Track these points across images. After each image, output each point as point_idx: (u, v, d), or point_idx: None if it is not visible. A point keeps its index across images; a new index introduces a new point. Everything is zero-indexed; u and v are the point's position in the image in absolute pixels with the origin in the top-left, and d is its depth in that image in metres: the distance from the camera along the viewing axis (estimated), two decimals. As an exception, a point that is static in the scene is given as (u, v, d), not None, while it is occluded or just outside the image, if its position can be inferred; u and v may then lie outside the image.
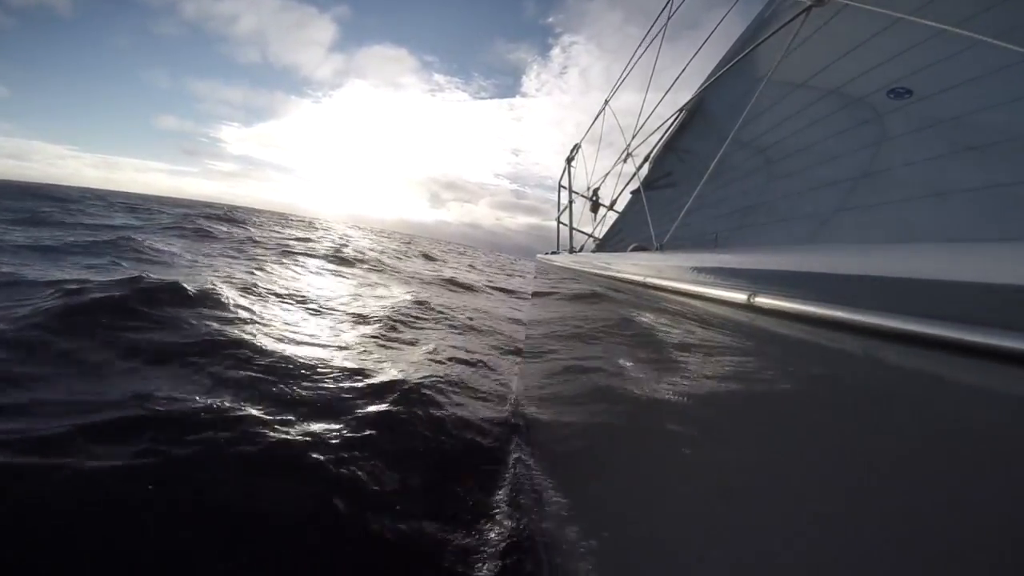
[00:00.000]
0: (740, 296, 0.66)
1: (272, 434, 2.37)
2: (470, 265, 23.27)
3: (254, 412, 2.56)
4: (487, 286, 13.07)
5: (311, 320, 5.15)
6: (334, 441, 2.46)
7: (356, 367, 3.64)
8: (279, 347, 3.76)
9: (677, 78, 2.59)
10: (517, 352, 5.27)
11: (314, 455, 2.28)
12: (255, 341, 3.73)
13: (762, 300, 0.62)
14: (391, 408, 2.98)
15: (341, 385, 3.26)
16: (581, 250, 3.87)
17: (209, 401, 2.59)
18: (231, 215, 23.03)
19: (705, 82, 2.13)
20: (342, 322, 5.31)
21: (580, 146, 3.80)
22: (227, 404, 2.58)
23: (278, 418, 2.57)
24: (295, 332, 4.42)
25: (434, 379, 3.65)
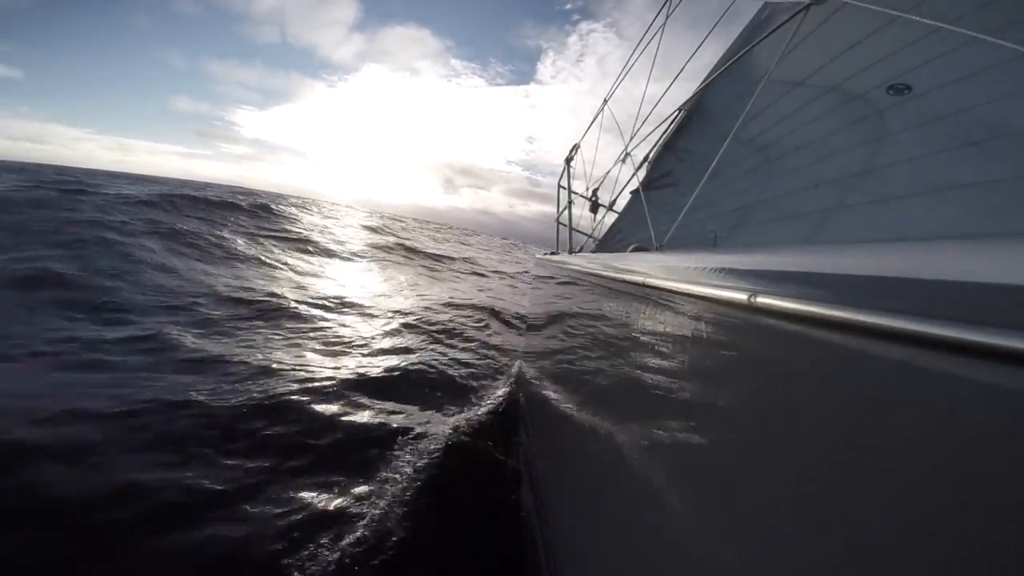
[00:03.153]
0: (740, 296, 0.65)
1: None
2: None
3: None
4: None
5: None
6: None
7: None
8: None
9: (676, 77, 2.59)
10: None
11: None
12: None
13: (762, 300, 0.61)
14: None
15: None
16: (581, 250, 3.87)
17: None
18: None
19: (704, 82, 2.13)
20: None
21: (579, 146, 3.81)
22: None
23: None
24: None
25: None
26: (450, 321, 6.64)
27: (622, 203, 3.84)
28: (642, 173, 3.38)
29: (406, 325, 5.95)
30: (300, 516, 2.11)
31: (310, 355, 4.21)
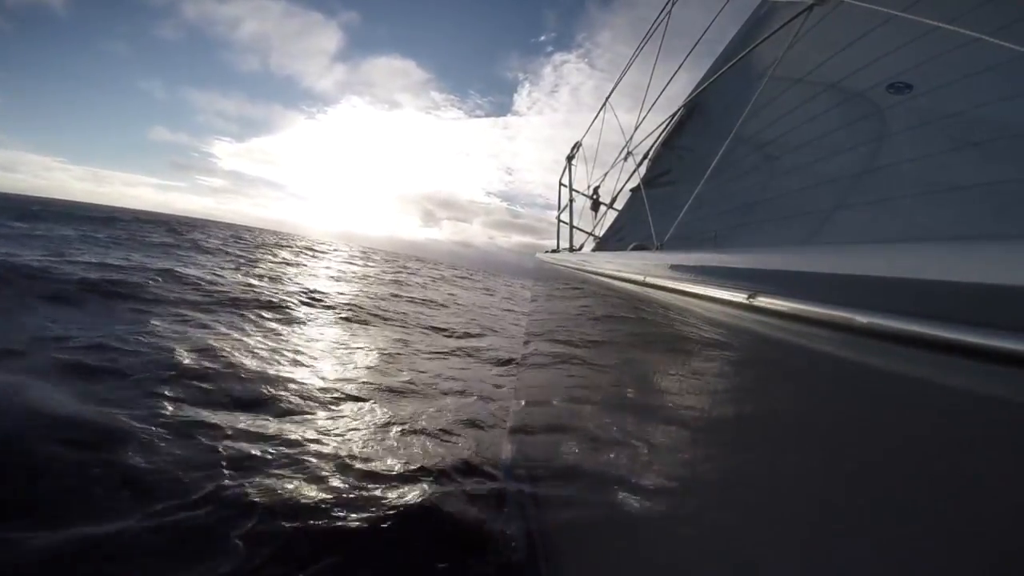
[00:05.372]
0: (740, 296, 0.65)
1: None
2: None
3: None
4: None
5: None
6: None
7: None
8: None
9: (674, 76, 2.58)
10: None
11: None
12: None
13: (762, 300, 0.61)
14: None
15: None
16: (581, 249, 3.87)
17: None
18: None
19: (704, 80, 2.13)
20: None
21: (581, 144, 3.79)
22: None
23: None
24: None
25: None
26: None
27: (623, 201, 3.84)
28: (643, 171, 3.37)
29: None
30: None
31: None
